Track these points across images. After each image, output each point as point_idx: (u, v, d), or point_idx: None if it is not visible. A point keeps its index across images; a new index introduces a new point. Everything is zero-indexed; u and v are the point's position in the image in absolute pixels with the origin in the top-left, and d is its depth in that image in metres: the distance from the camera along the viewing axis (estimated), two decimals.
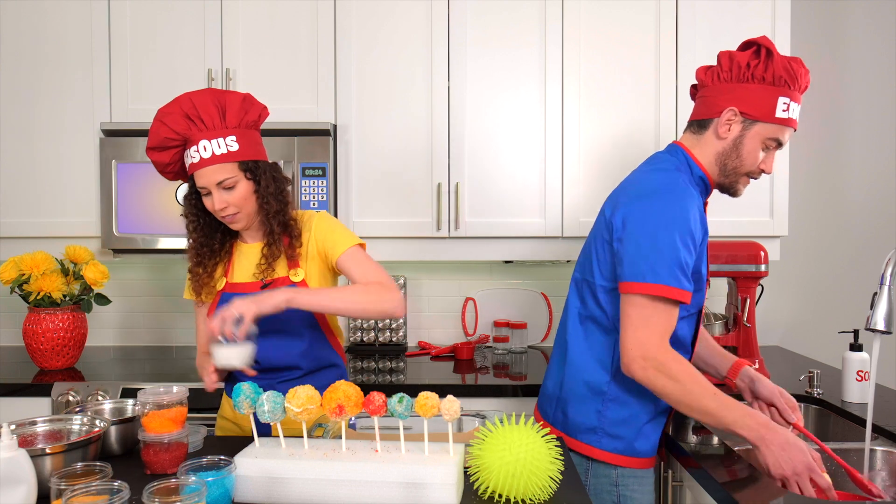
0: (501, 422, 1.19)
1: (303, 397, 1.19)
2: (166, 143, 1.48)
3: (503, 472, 1.11)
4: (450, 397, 1.17)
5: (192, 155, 1.47)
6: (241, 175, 1.49)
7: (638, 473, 1.50)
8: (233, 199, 1.49)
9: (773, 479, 1.30)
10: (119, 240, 2.30)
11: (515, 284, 2.76)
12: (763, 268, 2.06)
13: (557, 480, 1.15)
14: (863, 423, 1.69)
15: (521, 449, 1.12)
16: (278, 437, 1.25)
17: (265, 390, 1.25)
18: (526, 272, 2.76)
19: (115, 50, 2.36)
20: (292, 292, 1.43)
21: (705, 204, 1.54)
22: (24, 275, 2.21)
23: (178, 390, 1.32)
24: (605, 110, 2.36)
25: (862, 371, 1.86)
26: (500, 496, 1.15)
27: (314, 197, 2.27)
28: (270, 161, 1.58)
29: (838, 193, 2.73)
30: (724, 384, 1.67)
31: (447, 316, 2.76)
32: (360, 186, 2.37)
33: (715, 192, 1.58)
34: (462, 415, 1.45)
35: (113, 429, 1.38)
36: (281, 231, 1.55)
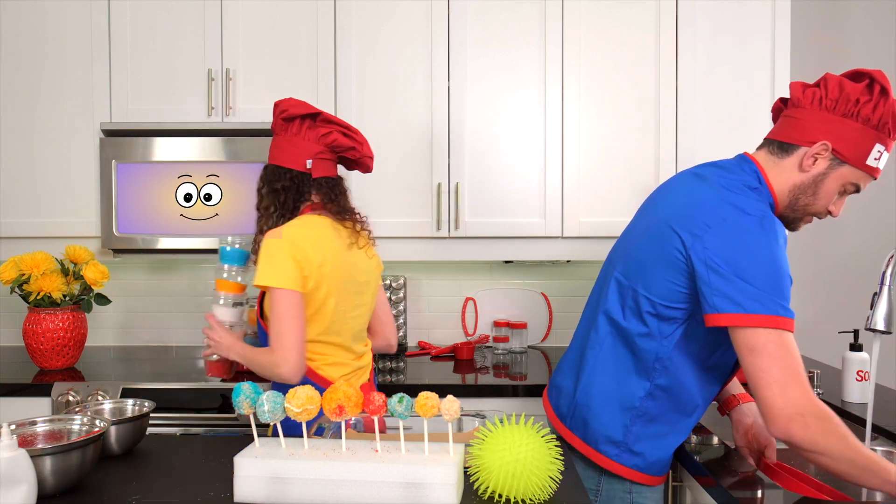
0: (501, 422, 1.19)
1: (303, 397, 1.18)
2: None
3: (503, 472, 1.11)
4: (450, 397, 1.17)
5: None
6: None
7: (652, 487, 1.47)
8: None
9: None
10: (119, 240, 2.30)
11: (515, 284, 2.76)
12: None
13: (557, 480, 1.15)
14: (863, 423, 1.68)
15: (521, 449, 1.11)
16: (278, 437, 1.25)
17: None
18: (526, 272, 2.76)
19: (115, 50, 2.36)
20: (233, 345, 1.63)
21: None
22: (24, 275, 2.20)
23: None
24: (605, 110, 2.36)
25: (862, 371, 1.86)
26: (500, 496, 1.15)
27: None
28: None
29: None
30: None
31: (447, 316, 2.76)
32: (360, 186, 2.36)
33: None
34: (462, 415, 1.45)
35: (113, 429, 1.37)
36: None
